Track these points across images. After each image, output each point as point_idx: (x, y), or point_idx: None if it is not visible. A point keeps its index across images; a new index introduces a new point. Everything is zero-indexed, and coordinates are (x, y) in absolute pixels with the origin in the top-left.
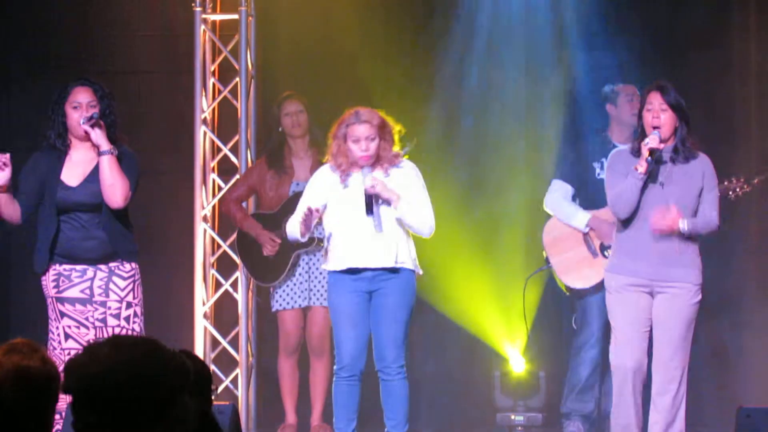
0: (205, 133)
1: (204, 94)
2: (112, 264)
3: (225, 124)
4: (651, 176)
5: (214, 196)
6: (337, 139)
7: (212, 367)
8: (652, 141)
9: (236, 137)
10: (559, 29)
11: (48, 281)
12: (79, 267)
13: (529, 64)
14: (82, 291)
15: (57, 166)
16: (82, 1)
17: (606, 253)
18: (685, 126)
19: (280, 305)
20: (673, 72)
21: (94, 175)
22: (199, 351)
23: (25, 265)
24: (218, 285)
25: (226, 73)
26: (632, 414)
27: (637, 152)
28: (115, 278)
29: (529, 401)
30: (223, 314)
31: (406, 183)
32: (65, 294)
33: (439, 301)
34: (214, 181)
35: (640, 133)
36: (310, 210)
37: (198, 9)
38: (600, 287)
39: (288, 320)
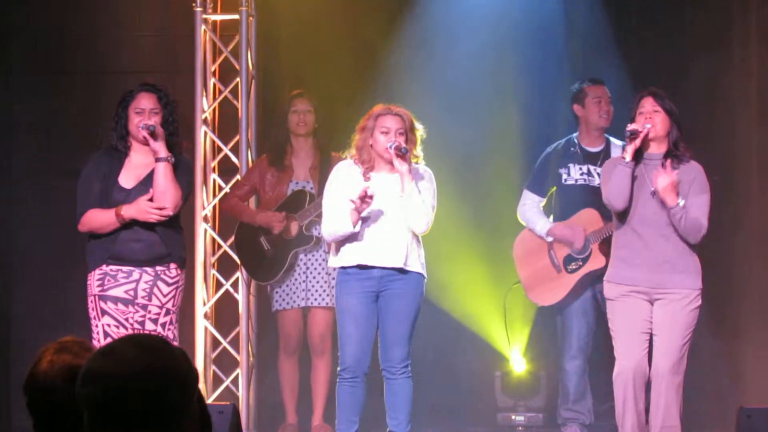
0: (205, 133)
1: (204, 94)
2: (159, 268)
3: (225, 124)
4: (644, 186)
5: (214, 196)
6: (364, 132)
7: (213, 368)
8: (634, 125)
9: (237, 137)
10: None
11: (93, 280)
12: (125, 268)
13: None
14: (126, 291)
15: (116, 168)
16: (83, 1)
17: (569, 268)
18: (677, 131)
19: (280, 305)
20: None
21: (149, 178)
22: (199, 351)
23: (27, 264)
24: (219, 285)
25: (226, 74)
26: (635, 418)
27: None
28: (159, 283)
29: (529, 401)
30: (224, 314)
31: (422, 181)
32: (109, 293)
33: (441, 301)
34: (214, 181)
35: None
36: (365, 193)
37: (198, 9)
38: (575, 297)
39: (288, 320)
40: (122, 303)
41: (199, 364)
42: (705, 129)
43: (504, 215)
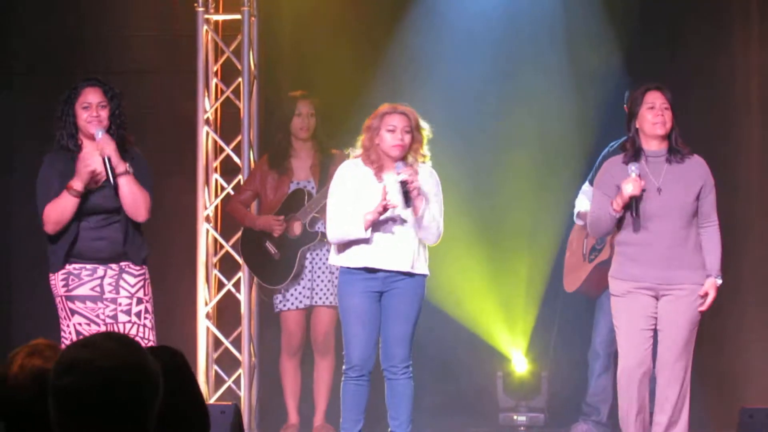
0: (207, 134)
1: (206, 94)
2: (122, 263)
3: (227, 124)
4: (649, 183)
5: (216, 196)
6: (370, 131)
7: (215, 368)
8: (629, 186)
9: (239, 137)
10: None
11: (57, 281)
12: (89, 266)
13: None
14: (92, 289)
15: (71, 168)
16: (85, 1)
17: (590, 257)
18: (677, 125)
19: (284, 305)
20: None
21: (107, 180)
22: (201, 351)
23: (28, 264)
24: (221, 285)
25: (228, 74)
26: (639, 413)
27: (630, 159)
28: (125, 275)
29: (531, 402)
30: (226, 314)
31: (429, 185)
32: (75, 292)
33: (443, 301)
34: (216, 181)
35: (633, 136)
36: (385, 208)
37: (200, 9)
38: (590, 290)
39: (291, 320)
40: (90, 300)
41: (201, 364)
42: (705, 129)
43: (508, 216)
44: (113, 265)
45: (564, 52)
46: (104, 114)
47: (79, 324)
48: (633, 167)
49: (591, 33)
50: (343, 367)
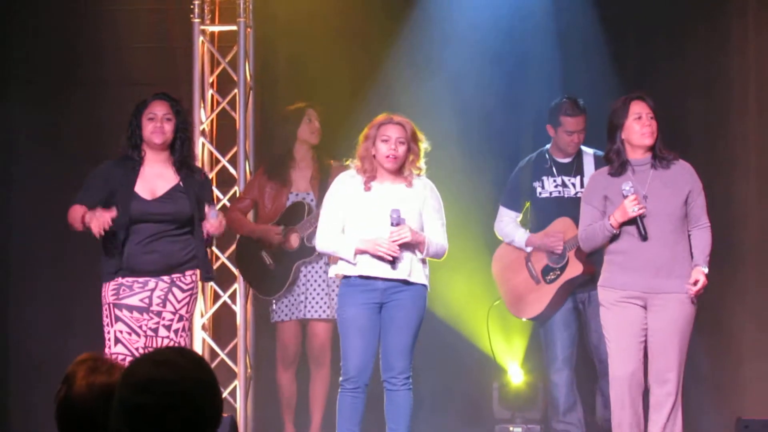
0: (203, 145)
1: (203, 105)
2: (174, 275)
3: (223, 135)
4: (636, 191)
5: None
6: (366, 141)
7: None
8: (639, 209)
9: (235, 149)
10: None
11: (107, 290)
12: (141, 279)
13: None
14: (141, 300)
15: (131, 178)
16: (82, 12)
17: (547, 278)
18: (660, 133)
19: (279, 317)
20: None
21: (170, 194)
22: None
23: (27, 273)
24: (216, 297)
25: (224, 85)
26: (632, 424)
27: (616, 171)
28: (174, 289)
29: (527, 413)
30: (222, 326)
31: (428, 200)
32: (124, 301)
33: (440, 313)
34: (213, 192)
35: (618, 147)
36: (392, 254)
37: (196, 20)
38: (553, 312)
39: (286, 332)
40: (137, 311)
41: None
42: (702, 135)
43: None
44: (165, 278)
45: (559, 62)
46: (168, 127)
47: (120, 332)
48: (627, 186)
49: (587, 44)
50: (340, 378)
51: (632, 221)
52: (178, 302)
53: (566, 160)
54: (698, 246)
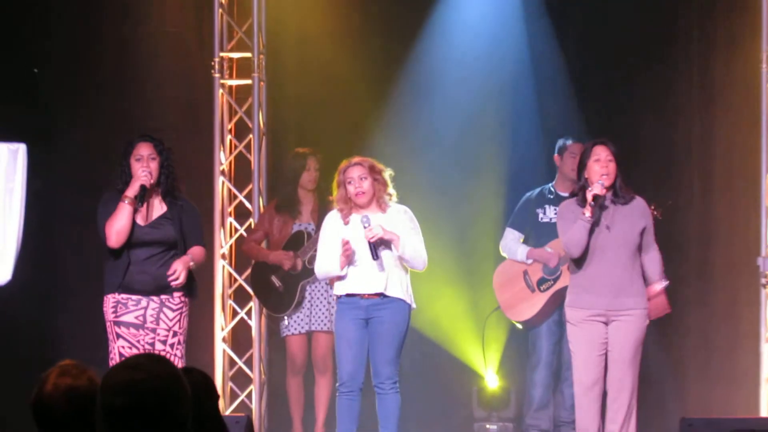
0: (223, 183)
1: (222, 149)
2: (163, 296)
3: (240, 174)
4: (597, 222)
5: (231, 236)
6: (339, 187)
7: (230, 384)
8: (596, 188)
9: (250, 186)
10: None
11: (108, 306)
12: (134, 297)
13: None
14: (136, 317)
15: None
16: (115, 70)
17: (542, 288)
18: (621, 173)
19: (288, 331)
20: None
21: (158, 221)
22: (218, 370)
23: (73, 290)
24: (235, 313)
25: (241, 131)
26: (593, 423)
27: (582, 201)
28: (165, 309)
29: (501, 413)
30: (239, 338)
31: (404, 221)
32: (122, 318)
33: (426, 328)
34: (231, 224)
35: (583, 183)
36: (345, 249)
37: (217, 75)
38: (543, 318)
39: (293, 344)
40: (134, 327)
41: (218, 381)
42: (656, 167)
43: (481, 250)
44: (155, 298)
45: (533, 103)
46: (154, 165)
47: (122, 347)
48: (600, 182)
49: (556, 87)
50: (337, 383)
51: (369, 247)
52: (170, 320)
53: (566, 194)
54: (652, 266)
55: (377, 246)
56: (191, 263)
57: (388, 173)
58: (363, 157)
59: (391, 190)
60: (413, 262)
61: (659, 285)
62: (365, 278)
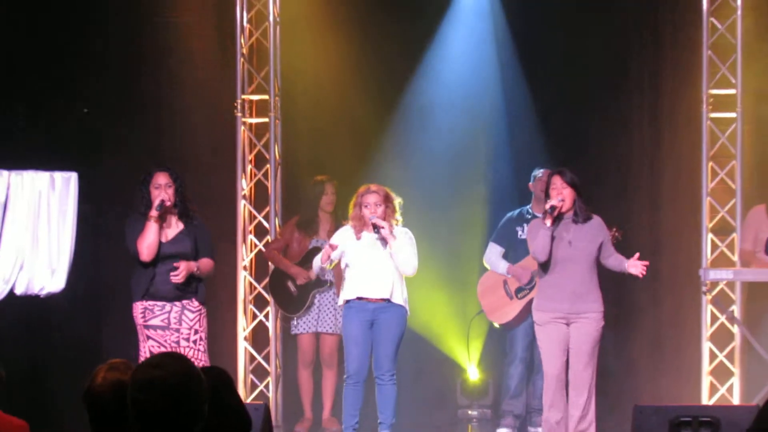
0: (244, 205)
1: (244, 177)
2: (184, 301)
3: (259, 199)
4: (562, 238)
5: (251, 251)
6: (355, 207)
7: (250, 376)
8: (551, 201)
9: (267, 208)
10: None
11: (137, 312)
12: (159, 303)
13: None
14: (162, 320)
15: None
16: (156, 104)
17: (519, 295)
18: (579, 196)
19: (299, 330)
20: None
21: (177, 238)
22: (240, 364)
23: (115, 297)
24: (254, 316)
25: (259, 162)
26: (558, 409)
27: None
28: (186, 311)
29: (481, 401)
30: (258, 337)
31: (403, 237)
32: (150, 322)
33: (419, 328)
34: (251, 240)
35: (549, 208)
36: (330, 246)
37: (239, 114)
38: (519, 322)
39: (304, 341)
40: (160, 329)
41: (240, 374)
42: (613, 190)
43: (467, 262)
44: (177, 303)
45: (506, 135)
46: (170, 191)
47: (152, 346)
48: (554, 201)
49: (526, 122)
50: (344, 376)
51: (374, 228)
52: (191, 321)
53: (540, 215)
54: (619, 261)
55: (377, 230)
56: (196, 268)
57: (398, 201)
58: (378, 185)
59: (398, 216)
60: (402, 261)
61: (628, 262)
62: (373, 284)
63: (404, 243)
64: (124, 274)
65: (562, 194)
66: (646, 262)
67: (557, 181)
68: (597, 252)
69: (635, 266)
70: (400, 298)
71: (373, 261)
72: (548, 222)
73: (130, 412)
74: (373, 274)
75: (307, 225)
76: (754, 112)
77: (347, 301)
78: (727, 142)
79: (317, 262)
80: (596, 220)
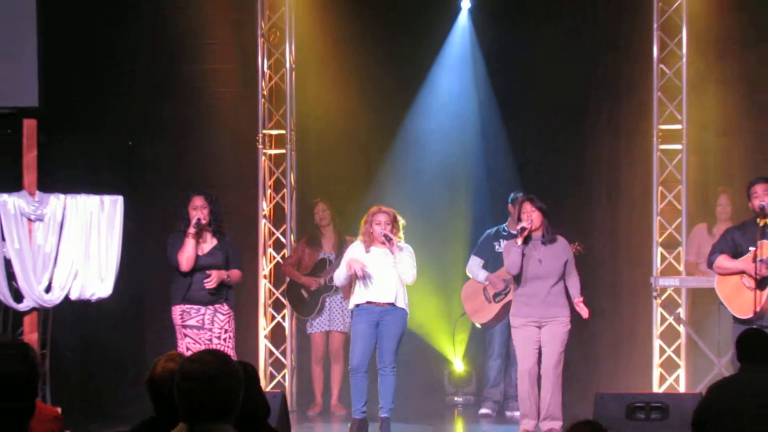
0: (264, 224)
1: (264, 199)
2: (216, 305)
3: (277, 218)
4: (532, 256)
5: (270, 262)
6: (366, 224)
7: (269, 369)
8: (522, 223)
9: (284, 226)
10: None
11: (176, 314)
12: (195, 306)
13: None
14: (197, 321)
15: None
16: (189, 138)
17: (496, 299)
18: (547, 220)
19: (312, 329)
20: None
21: (211, 252)
22: (261, 358)
23: (156, 301)
24: (273, 317)
25: (277, 186)
26: (530, 399)
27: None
28: (217, 314)
29: (465, 389)
30: (276, 335)
31: (405, 255)
32: (187, 323)
33: (413, 327)
34: (270, 253)
35: (519, 229)
36: (363, 271)
37: (260, 147)
38: (497, 322)
39: (316, 339)
40: (196, 329)
41: (261, 366)
42: (576, 211)
43: (453, 271)
44: (210, 307)
45: (483, 164)
46: (205, 212)
47: (189, 343)
48: (523, 223)
49: (503, 155)
50: (349, 367)
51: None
52: (221, 322)
53: (515, 232)
54: (574, 288)
55: (389, 239)
56: (227, 276)
57: (402, 222)
58: (388, 207)
59: (401, 234)
60: (403, 270)
61: (578, 299)
62: (381, 291)
63: (406, 256)
64: (162, 282)
65: (531, 217)
66: (587, 310)
67: (527, 207)
68: (563, 267)
69: (581, 309)
70: (402, 302)
71: (380, 271)
72: (519, 241)
73: (176, 399)
74: (380, 282)
75: (313, 242)
76: (697, 143)
77: (357, 305)
78: (674, 169)
79: (343, 271)
80: (561, 241)
